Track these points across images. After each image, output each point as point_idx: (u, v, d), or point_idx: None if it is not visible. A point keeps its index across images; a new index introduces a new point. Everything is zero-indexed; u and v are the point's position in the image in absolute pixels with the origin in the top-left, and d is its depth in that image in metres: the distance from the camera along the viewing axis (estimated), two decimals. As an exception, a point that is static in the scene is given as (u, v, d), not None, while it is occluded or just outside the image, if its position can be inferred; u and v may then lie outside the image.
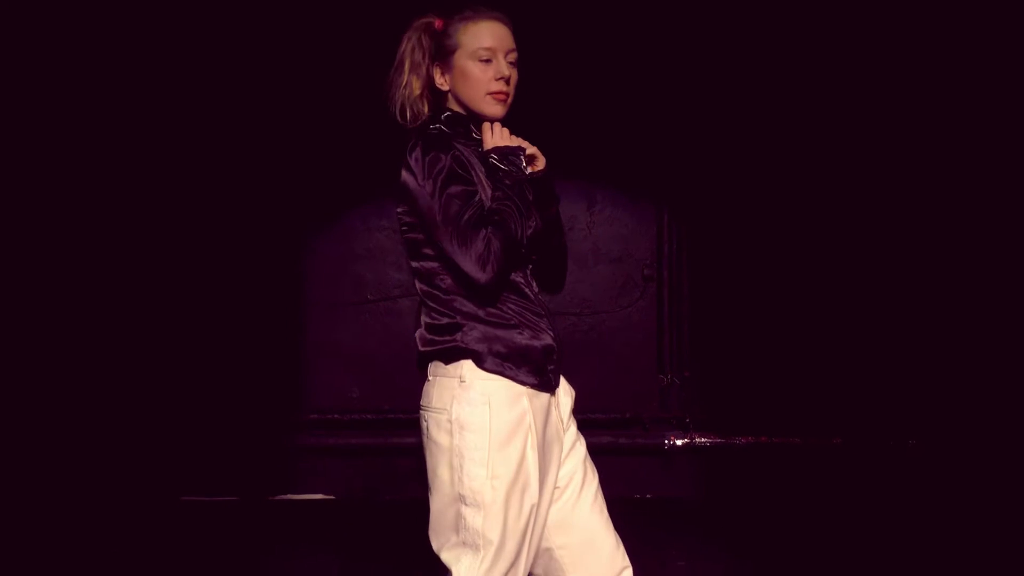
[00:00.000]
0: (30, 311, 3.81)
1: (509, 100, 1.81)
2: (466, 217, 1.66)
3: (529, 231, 1.72)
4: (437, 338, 1.71)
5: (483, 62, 1.79)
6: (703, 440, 4.07)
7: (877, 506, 3.84)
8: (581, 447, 1.83)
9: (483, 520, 1.64)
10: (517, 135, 1.83)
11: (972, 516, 3.65)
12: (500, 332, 1.71)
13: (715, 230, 4.15)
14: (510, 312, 1.73)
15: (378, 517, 3.84)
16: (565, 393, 1.83)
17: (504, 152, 1.77)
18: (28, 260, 3.80)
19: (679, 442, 4.07)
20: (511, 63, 1.80)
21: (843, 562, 3.25)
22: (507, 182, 1.73)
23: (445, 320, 1.71)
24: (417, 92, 1.88)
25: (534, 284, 1.81)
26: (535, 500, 1.68)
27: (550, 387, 1.75)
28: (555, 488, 1.78)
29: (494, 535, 1.64)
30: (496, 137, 1.80)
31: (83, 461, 3.86)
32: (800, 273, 4.03)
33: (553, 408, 1.77)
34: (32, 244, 3.83)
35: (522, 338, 1.72)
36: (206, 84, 4.03)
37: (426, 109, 1.89)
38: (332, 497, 4.11)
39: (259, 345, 4.09)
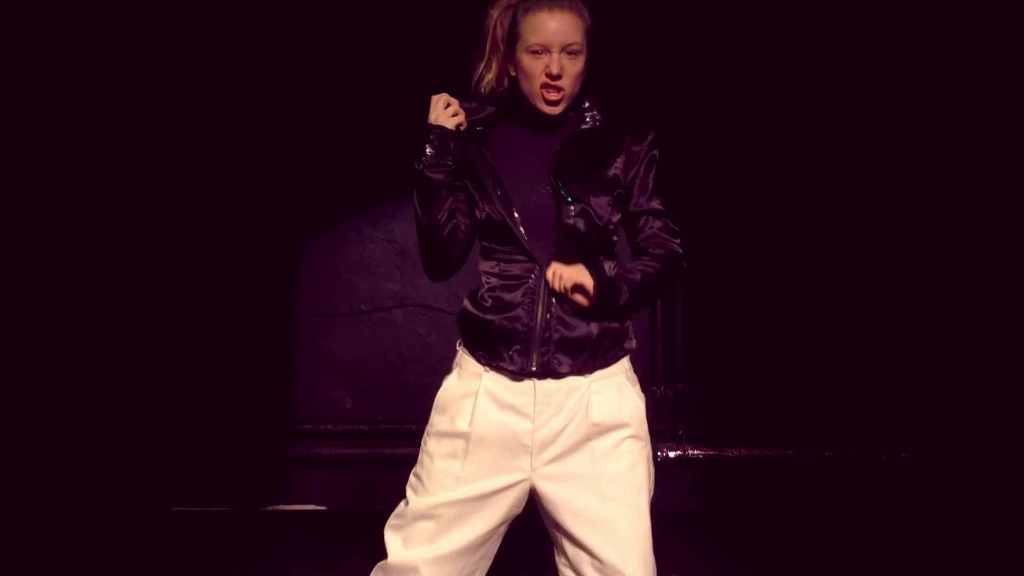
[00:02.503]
0: (22, 317, 3.80)
1: (565, 95, 1.77)
2: None
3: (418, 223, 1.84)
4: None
5: (534, 54, 1.75)
6: (696, 452, 4.08)
7: (869, 519, 3.85)
8: (602, 467, 1.75)
9: (418, 465, 1.85)
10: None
11: (963, 530, 3.66)
12: (474, 312, 1.81)
13: (708, 241, 4.15)
14: (488, 296, 1.80)
15: (371, 528, 3.81)
16: (590, 406, 1.77)
17: (438, 133, 1.80)
18: (19, 268, 3.80)
19: (672, 454, 4.07)
20: (570, 53, 1.75)
21: (836, 574, 3.26)
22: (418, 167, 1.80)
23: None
24: (493, 73, 1.86)
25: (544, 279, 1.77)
26: (457, 470, 1.77)
27: (513, 373, 1.76)
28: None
29: (419, 481, 1.82)
30: (436, 112, 1.80)
31: (73, 471, 3.84)
32: (794, 286, 4.04)
33: (517, 416, 1.76)
34: (22, 254, 3.82)
35: (485, 319, 1.78)
36: (198, 94, 4.03)
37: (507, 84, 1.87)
38: (324, 508, 4.10)
39: (252, 354, 4.09)
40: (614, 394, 1.80)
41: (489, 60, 1.86)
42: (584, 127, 1.84)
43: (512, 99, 1.85)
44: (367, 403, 4.13)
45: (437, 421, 1.84)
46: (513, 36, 1.79)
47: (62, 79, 3.87)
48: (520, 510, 1.83)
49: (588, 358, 1.78)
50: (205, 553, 3.50)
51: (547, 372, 1.76)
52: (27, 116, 3.82)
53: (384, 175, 4.10)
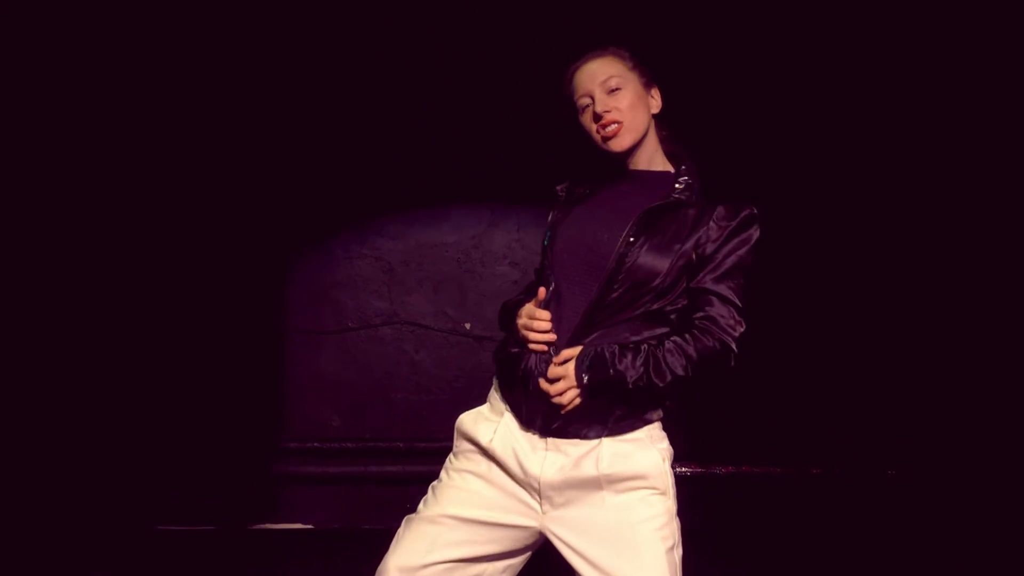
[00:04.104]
0: (4, 331, 3.77)
1: (623, 126, 1.77)
2: None
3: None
4: None
5: (584, 110, 1.80)
6: (684, 470, 4.08)
7: (856, 535, 3.85)
8: (617, 519, 1.71)
9: (436, 481, 1.90)
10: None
11: (950, 546, 3.67)
12: (507, 341, 1.87)
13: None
14: (517, 346, 1.83)
15: (357, 547, 3.80)
16: (561, 458, 1.77)
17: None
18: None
19: (660, 471, 4.06)
20: (611, 90, 1.77)
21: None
22: None
23: None
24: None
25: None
26: (475, 485, 1.79)
27: (518, 417, 1.78)
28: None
29: (432, 493, 1.85)
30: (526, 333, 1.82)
31: (54, 487, 3.80)
32: (781, 303, 4.05)
33: (529, 451, 1.77)
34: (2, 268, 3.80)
35: (510, 354, 1.83)
36: (186, 109, 4.02)
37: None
38: (311, 526, 4.08)
39: (238, 372, 4.07)
40: (629, 447, 1.76)
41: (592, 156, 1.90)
42: (676, 196, 1.79)
43: (606, 166, 1.88)
44: (355, 421, 4.11)
45: (458, 442, 1.87)
46: (574, 115, 1.84)
47: (52, 97, 3.86)
48: (517, 549, 1.81)
49: (594, 423, 1.76)
50: (189, 573, 3.47)
51: (549, 433, 1.77)
52: (12, 133, 3.81)
53: (372, 192, 4.11)
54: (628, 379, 1.70)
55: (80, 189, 3.93)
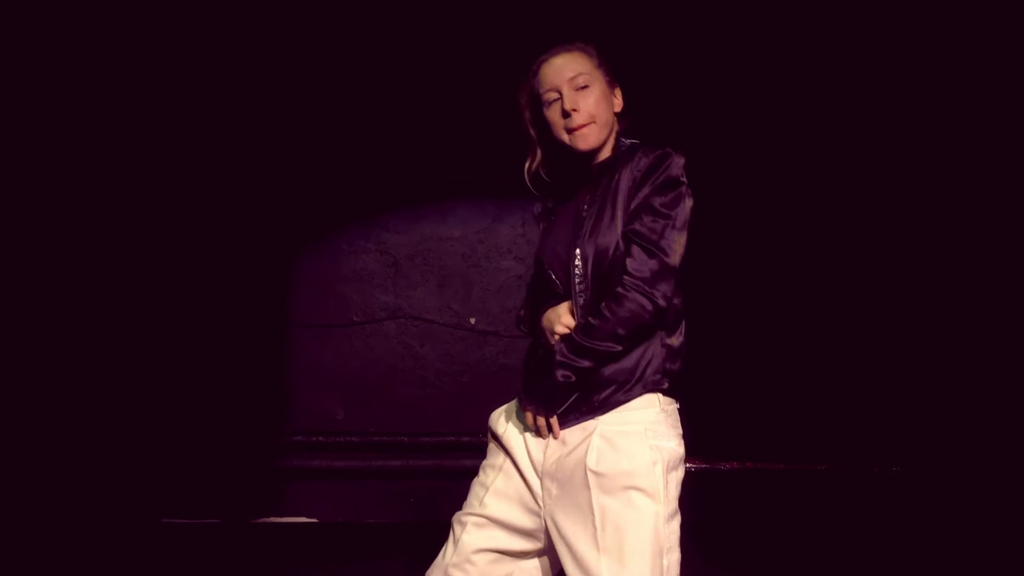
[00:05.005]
0: (11, 325, 3.78)
1: (592, 124, 1.77)
2: None
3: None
4: None
5: (551, 104, 1.80)
6: (688, 465, 4.04)
7: (861, 532, 3.85)
8: (602, 518, 1.69)
9: None
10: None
11: (955, 543, 3.66)
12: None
13: (696, 253, 4.14)
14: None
15: (362, 540, 3.81)
16: (544, 442, 1.79)
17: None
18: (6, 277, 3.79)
19: (664, 467, 4.05)
20: (579, 88, 1.77)
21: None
22: None
23: None
24: (539, 158, 1.89)
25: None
26: (492, 481, 1.81)
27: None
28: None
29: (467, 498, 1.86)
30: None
31: (61, 480, 3.82)
32: (787, 298, 4.05)
33: (534, 441, 1.81)
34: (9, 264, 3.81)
35: (531, 345, 1.87)
36: (192, 104, 4.03)
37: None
38: (315, 520, 4.08)
39: (244, 365, 4.07)
40: (623, 440, 1.73)
41: (533, 149, 1.89)
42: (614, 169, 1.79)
43: (566, 161, 1.87)
44: (359, 415, 4.12)
45: (489, 436, 1.89)
46: (536, 105, 1.84)
47: (56, 93, 3.87)
48: (533, 551, 1.81)
49: (584, 408, 1.75)
50: (194, 566, 3.48)
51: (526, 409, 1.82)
52: (17, 130, 3.82)
53: (378, 186, 4.11)
54: (557, 375, 1.70)
55: (90, 185, 3.94)
